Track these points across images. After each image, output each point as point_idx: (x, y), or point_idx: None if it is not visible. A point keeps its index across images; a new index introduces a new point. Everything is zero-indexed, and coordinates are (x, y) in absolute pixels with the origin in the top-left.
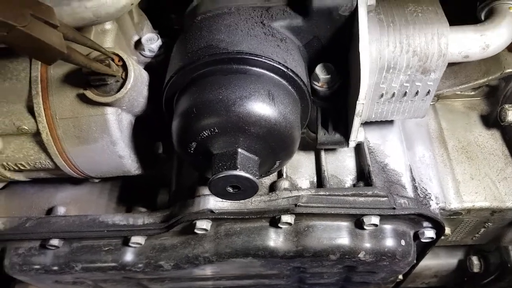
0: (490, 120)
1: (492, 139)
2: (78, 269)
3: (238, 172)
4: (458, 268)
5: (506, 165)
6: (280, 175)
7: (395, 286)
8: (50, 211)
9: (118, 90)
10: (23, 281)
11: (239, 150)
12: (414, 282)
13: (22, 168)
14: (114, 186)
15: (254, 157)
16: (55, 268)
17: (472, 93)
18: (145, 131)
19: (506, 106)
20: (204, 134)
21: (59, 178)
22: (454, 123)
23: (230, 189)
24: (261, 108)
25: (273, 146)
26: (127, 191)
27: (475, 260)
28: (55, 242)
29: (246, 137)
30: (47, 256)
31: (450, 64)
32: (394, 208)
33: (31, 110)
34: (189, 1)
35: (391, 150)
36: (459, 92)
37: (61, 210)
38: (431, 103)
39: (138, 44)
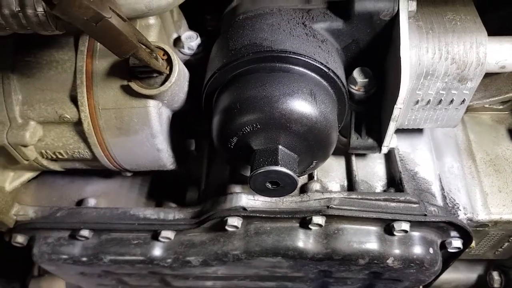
0: None
1: None
2: (106, 261)
3: (279, 168)
4: (477, 284)
5: None
6: (311, 177)
7: None
8: (80, 202)
9: (162, 84)
10: (49, 271)
11: (280, 147)
12: None
13: (60, 157)
14: (144, 181)
15: (293, 154)
16: (84, 259)
17: (501, 107)
18: (180, 128)
19: None
20: (246, 130)
21: (90, 171)
22: (482, 135)
23: (269, 185)
24: (304, 106)
25: (312, 145)
26: (157, 187)
27: (495, 275)
28: (85, 233)
29: (287, 134)
30: (76, 246)
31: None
32: (425, 215)
33: (74, 100)
34: (225, 3)
35: (421, 159)
36: (487, 106)
37: (91, 202)
38: None
39: (176, 42)
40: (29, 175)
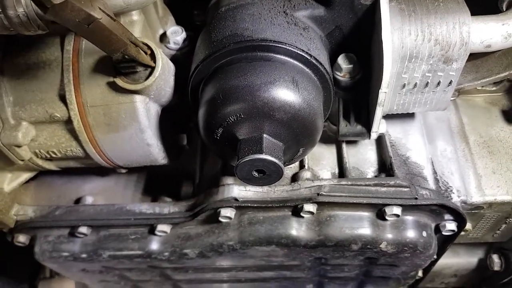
0: None
1: None
2: (105, 256)
3: (264, 156)
4: (478, 268)
5: None
6: (302, 166)
7: (415, 284)
8: (78, 201)
9: (147, 78)
10: (52, 269)
11: (265, 135)
12: (433, 282)
13: (54, 156)
14: (139, 178)
15: (278, 142)
16: (84, 255)
17: (494, 88)
18: (170, 123)
19: None
20: (230, 120)
21: (87, 170)
22: (476, 118)
23: (256, 174)
24: (286, 94)
25: (296, 133)
26: (152, 183)
27: (495, 258)
28: (83, 229)
29: (271, 122)
30: (76, 243)
31: (472, 58)
32: (416, 198)
33: (63, 98)
34: None
35: (413, 143)
36: (480, 88)
37: (89, 200)
38: (452, 98)
39: (163, 38)
40: (26, 175)
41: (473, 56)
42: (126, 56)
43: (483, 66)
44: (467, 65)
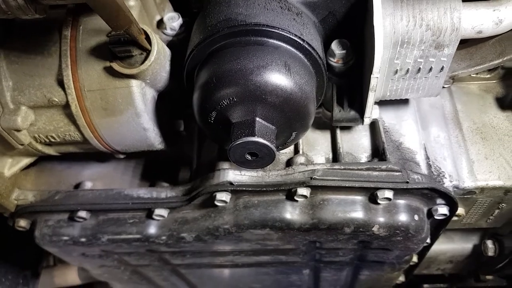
0: (506, 102)
1: (507, 121)
2: (104, 240)
3: (256, 139)
4: (473, 253)
5: None
6: (296, 151)
7: (410, 270)
8: (77, 186)
9: (142, 63)
10: (53, 253)
11: (257, 118)
12: (429, 268)
13: (53, 140)
14: (138, 164)
15: (271, 126)
16: (83, 239)
17: (488, 75)
18: (167, 109)
19: None
20: (224, 103)
21: (86, 156)
22: (469, 105)
23: (249, 157)
24: (278, 77)
25: (289, 116)
26: (150, 168)
27: (489, 244)
28: (82, 214)
29: (263, 106)
30: (75, 228)
31: (466, 45)
32: (407, 182)
33: (61, 83)
34: None
35: (406, 129)
36: (474, 75)
37: (88, 185)
38: (447, 86)
39: (160, 24)
40: (26, 160)
41: (467, 44)
42: (124, 39)
43: (477, 53)
44: (461, 53)
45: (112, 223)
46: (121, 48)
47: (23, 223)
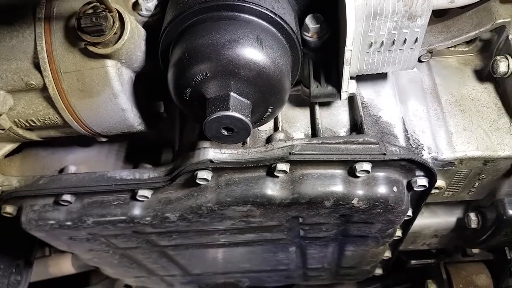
0: (484, 74)
1: (485, 92)
2: (89, 223)
3: (230, 113)
4: (457, 227)
5: (498, 116)
6: (276, 128)
7: (396, 245)
8: (61, 171)
9: (116, 42)
10: (40, 238)
11: (231, 93)
12: (415, 243)
13: (33, 125)
14: (121, 147)
15: (246, 100)
16: (69, 223)
17: (466, 48)
18: (145, 90)
19: (498, 57)
20: (197, 79)
21: (69, 141)
22: (448, 78)
23: (224, 132)
24: (250, 51)
25: (263, 91)
26: (134, 151)
27: (472, 216)
28: (67, 197)
29: (236, 80)
30: (61, 211)
31: (442, 19)
32: (384, 154)
33: (37, 66)
34: None
35: (385, 103)
36: (452, 48)
37: (72, 169)
38: (425, 60)
39: (135, 6)
40: (9, 146)
41: (444, 17)
42: (95, 18)
43: (453, 25)
44: (438, 26)
45: (96, 205)
46: (94, 28)
47: (9, 209)
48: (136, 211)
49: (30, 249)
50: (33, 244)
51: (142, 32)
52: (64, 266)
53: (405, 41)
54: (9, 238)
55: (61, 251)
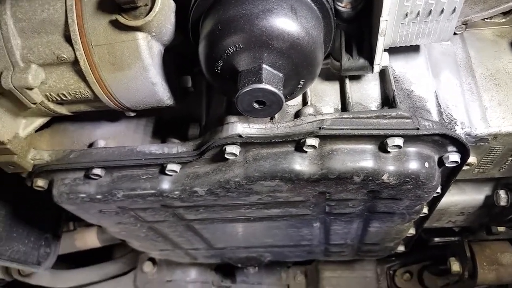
0: None
1: None
2: (119, 196)
3: (263, 86)
4: (484, 205)
5: None
6: (305, 103)
7: (421, 222)
8: (91, 145)
9: (147, 14)
10: (71, 211)
11: (264, 65)
12: (440, 221)
13: (64, 99)
14: (148, 122)
15: (278, 73)
16: (99, 196)
17: (503, 20)
18: (174, 64)
19: None
20: (230, 51)
21: (97, 116)
22: (483, 51)
23: (256, 105)
24: (284, 22)
25: (296, 63)
26: (161, 126)
27: (502, 193)
28: (97, 171)
29: (270, 52)
30: (91, 185)
31: None
32: (418, 129)
33: (68, 39)
34: None
35: (417, 77)
36: (488, 20)
37: (101, 143)
38: (459, 32)
39: None
40: (40, 121)
41: None
42: None
43: None
44: None
45: (126, 179)
46: (126, 0)
47: (40, 182)
48: (165, 185)
49: (57, 223)
50: (60, 218)
51: (172, 4)
52: (90, 240)
53: (442, 11)
54: (38, 212)
55: (86, 225)
